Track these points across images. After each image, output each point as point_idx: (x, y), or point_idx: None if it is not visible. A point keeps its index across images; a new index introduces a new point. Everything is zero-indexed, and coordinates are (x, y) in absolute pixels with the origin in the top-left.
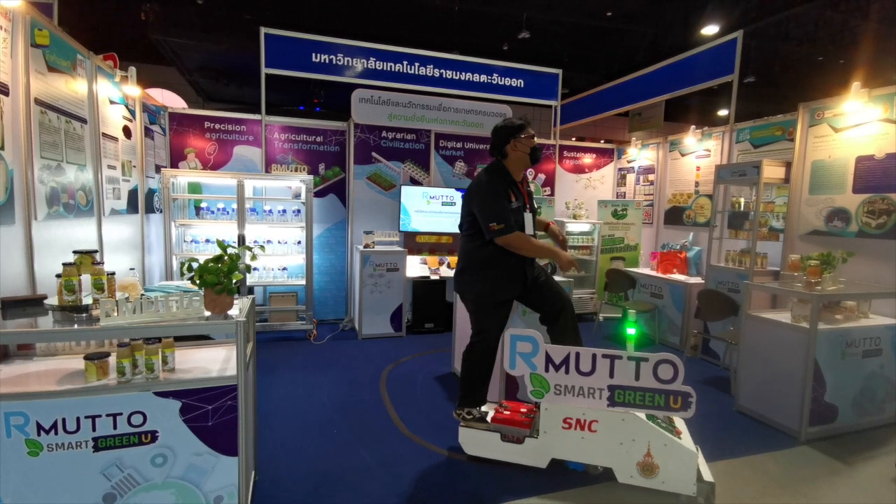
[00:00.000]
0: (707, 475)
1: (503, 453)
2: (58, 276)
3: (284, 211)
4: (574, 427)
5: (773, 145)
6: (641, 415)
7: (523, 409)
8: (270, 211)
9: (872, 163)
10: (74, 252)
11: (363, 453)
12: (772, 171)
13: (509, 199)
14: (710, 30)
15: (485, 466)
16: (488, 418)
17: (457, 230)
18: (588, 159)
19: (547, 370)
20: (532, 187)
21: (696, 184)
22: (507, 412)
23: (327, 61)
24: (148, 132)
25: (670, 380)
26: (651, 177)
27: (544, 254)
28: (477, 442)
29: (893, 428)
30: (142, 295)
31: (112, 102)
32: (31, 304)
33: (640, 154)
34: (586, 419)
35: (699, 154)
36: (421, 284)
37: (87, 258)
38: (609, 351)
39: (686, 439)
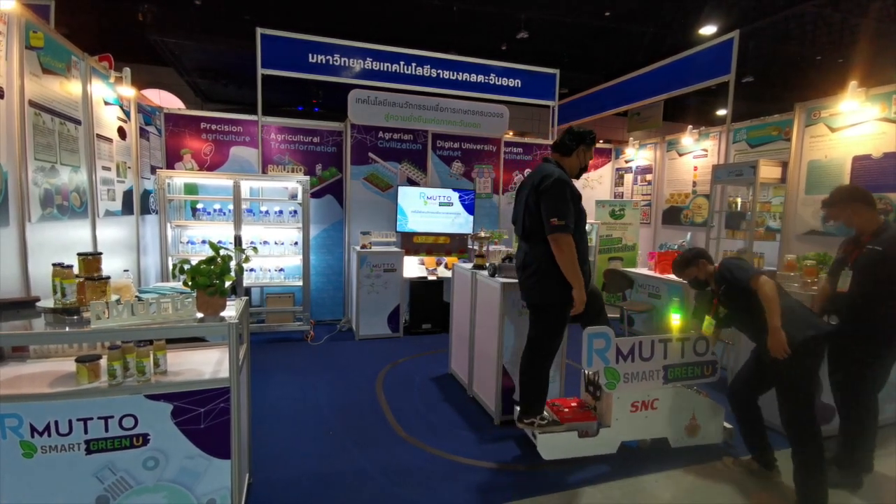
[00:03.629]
0: (726, 424)
1: (580, 449)
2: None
3: (281, 212)
4: (640, 409)
5: (769, 145)
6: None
7: (574, 404)
8: (267, 212)
9: (869, 162)
10: (79, 254)
11: (359, 456)
12: (768, 171)
13: (579, 199)
14: (708, 30)
15: (483, 467)
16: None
17: (455, 230)
18: None
19: (617, 362)
20: None
21: (694, 184)
22: (567, 410)
23: (324, 62)
24: (143, 133)
25: (704, 352)
26: (649, 177)
27: (575, 276)
28: (556, 445)
29: (893, 428)
30: (137, 298)
31: (107, 103)
32: (23, 306)
33: (637, 154)
34: (650, 399)
35: (696, 154)
36: (418, 285)
37: (82, 260)
38: (662, 336)
39: (709, 399)
